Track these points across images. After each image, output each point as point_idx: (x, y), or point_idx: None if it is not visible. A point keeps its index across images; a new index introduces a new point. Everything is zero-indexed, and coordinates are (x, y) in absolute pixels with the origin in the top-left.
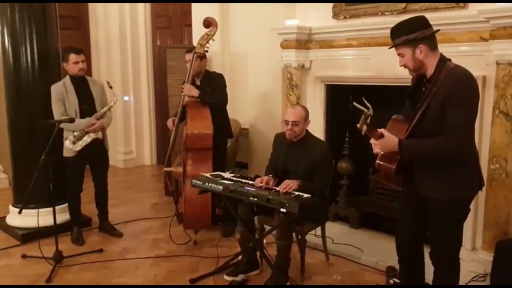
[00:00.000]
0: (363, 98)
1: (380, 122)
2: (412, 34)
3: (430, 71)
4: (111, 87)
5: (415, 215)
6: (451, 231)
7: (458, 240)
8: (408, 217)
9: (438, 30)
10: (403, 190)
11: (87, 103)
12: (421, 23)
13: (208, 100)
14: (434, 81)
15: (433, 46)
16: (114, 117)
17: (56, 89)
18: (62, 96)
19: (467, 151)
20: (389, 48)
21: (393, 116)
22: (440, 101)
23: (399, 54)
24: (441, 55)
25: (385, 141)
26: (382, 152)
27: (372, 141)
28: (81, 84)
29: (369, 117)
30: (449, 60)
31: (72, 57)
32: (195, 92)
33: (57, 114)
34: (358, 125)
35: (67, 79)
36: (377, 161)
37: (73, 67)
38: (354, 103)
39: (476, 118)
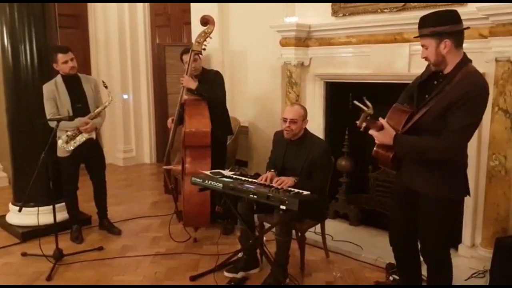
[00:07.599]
0: (364, 98)
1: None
2: (440, 26)
3: (449, 68)
4: (106, 87)
5: (405, 211)
6: (438, 229)
7: (446, 239)
8: (399, 213)
9: (468, 28)
10: (394, 186)
11: (81, 102)
12: (452, 17)
13: (205, 94)
14: (449, 80)
15: (458, 43)
16: (114, 115)
17: (47, 89)
18: (53, 95)
19: (458, 156)
20: (415, 37)
21: (394, 105)
22: (448, 101)
23: (422, 45)
24: (464, 54)
25: (383, 133)
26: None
27: (372, 132)
28: (73, 83)
29: (369, 116)
30: (471, 61)
31: (60, 57)
32: (193, 84)
33: (49, 114)
34: (357, 122)
35: (58, 78)
36: (375, 148)
37: (64, 67)
38: (355, 101)
39: (477, 128)
